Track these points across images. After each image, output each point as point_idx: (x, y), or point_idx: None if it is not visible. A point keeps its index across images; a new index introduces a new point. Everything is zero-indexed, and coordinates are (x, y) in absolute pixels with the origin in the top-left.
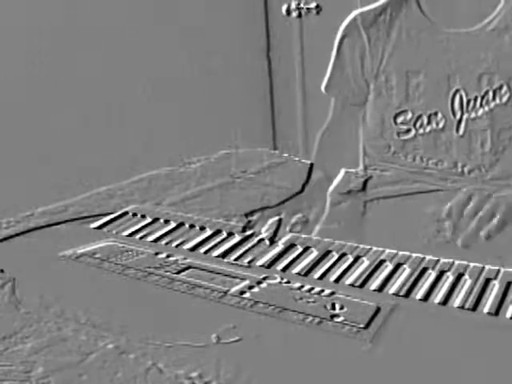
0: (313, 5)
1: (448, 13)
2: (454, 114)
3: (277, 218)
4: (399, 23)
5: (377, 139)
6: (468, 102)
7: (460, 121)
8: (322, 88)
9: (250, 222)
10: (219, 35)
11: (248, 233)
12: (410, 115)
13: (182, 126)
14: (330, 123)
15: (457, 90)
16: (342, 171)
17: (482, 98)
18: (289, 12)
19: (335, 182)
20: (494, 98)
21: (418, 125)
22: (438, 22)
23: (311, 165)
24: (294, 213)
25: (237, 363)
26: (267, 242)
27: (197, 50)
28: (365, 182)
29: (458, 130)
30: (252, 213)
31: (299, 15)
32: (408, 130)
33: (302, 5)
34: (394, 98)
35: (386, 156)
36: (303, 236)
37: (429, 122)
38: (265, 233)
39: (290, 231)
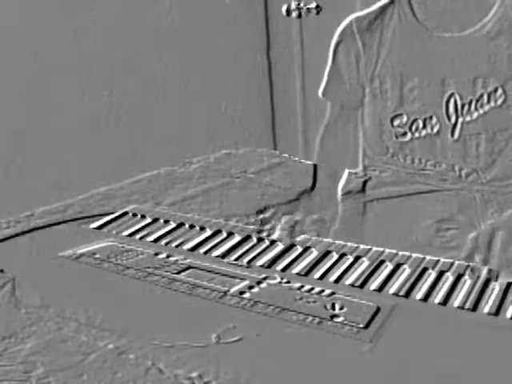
0: (313, 5)
1: (441, 17)
2: (448, 118)
3: (292, 217)
4: (393, 28)
5: (375, 141)
6: (463, 105)
7: (455, 125)
8: (319, 93)
9: (263, 219)
10: (219, 35)
11: (263, 228)
12: (405, 119)
13: (182, 125)
14: (328, 126)
15: (451, 94)
16: (346, 172)
17: (477, 101)
18: (289, 12)
19: (342, 182)
20: (488, 101)
21: (413, 128)
22: (431, 27)
23: (315, 166)
24: (307, 213)
25: (237, 363)
26: (281, 244)
27: (197, 49)
28: (364, 183)
29: (453, 134)
30: (264, 209)
31: (299, 15)
32: (404, 133)
33: (301, 5)
34: (389, 101)
35: (384, 158)
36: (303, 236)
37: (424, 126)
38: (280, 232)
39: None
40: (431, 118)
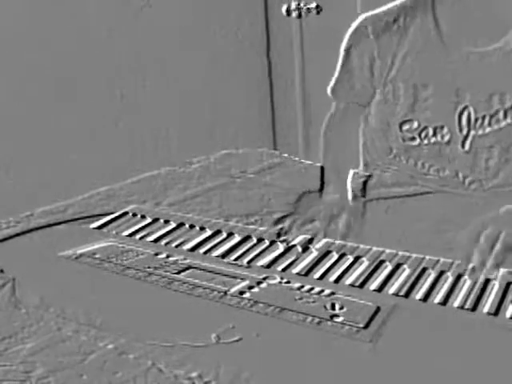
0: (313, 5)
1: (464, 30)
2: (460, 129)
3: (311, 225)
4: (412, 34)
5: (380, 140)
6: (476, 119)
7: (466, 137)
8: (328, 91)
9: (282, 228)
10: (219, 35)
11: (282, 238)
12: (415, 125)
13: (182, 126)
14: (332, 123)
15: (465, 107)
16: (351, 172)
17: (492, 116)
18: (289, 12)
19: (348, 182)
20: (505, 117)
21: (422, 135)
22: (452, 38)
23: (322, 168)
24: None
25: (237, 363)
26: (299, 249)
27: (197, 50)
28: (365, 183)
29: (463, 145)
30: (282, 218)
31: (299, 15)
32: (413, 138)
33: (301, 5)
34: (400, 107)
35: (387, 158)
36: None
37: (434, 134)
38: (299, 239)
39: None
40: (442, 127)
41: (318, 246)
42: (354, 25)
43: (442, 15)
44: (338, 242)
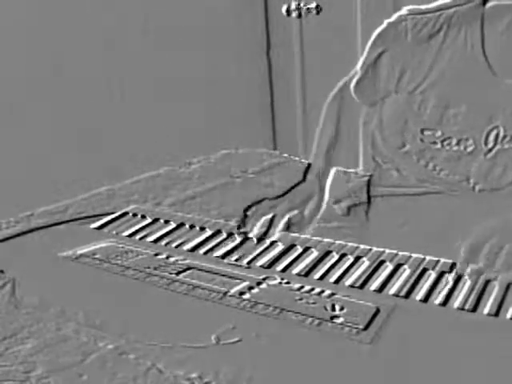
0: (313, 5)
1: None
2: (486, 143)
3: (269, 216)
4: (454, 49)
5: (394, 136)
6: (504, 136)
7: (491, 149)
8: (351, 87)
9: (245, 217)
10: (219, 35)
11: (241, 230)
12: (439, 133)
13: (182, 126)
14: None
15: (496, 126)
16: (334, 170)
17: None
18: (289, 12)
19: (329, 181)
20: None
21: (445, 143)
22: (500, 65)
23: (308, 165)
24: (290, 209)
25: (236, 364)
26: (255, 240)
27: (197, 50)
28: (368, 182)
29: (486, 155)
30: (249, 208)
31: (299, 15)
32: (434, 143)
33: (301, 5)
34: (426, 116)
35: (398, 152)
36: (303, 236)
37: (457, 144)
38: (256, 230)
39: (287, 229)
40: (467, 139)
41: (275, 238)
42: (393, 18)
43: (491, 35)
44: (338, 242)
